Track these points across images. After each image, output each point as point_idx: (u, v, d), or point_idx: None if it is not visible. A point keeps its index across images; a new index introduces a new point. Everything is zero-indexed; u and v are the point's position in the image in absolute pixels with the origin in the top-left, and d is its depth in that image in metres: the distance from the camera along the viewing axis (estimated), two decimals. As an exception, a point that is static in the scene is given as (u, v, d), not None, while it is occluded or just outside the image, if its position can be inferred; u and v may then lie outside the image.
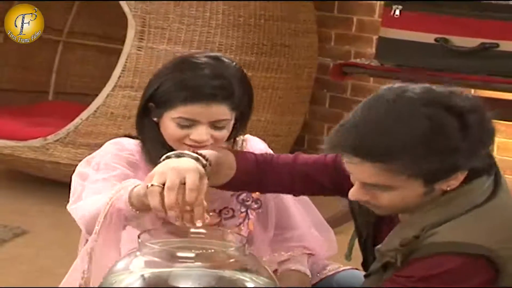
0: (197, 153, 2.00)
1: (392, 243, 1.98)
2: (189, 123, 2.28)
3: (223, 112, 2.28)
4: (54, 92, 5.81)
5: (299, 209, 2.54)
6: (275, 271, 2.38)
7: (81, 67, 5.80)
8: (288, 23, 5.04)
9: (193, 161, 1.96)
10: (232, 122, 2.35)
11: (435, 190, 1.96)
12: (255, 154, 2.20)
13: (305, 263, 2.49)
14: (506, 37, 3.74)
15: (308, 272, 2.47)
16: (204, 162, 1.98)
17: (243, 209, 2.43)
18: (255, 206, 2.45)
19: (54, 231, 4.34)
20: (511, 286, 1.97)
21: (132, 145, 2.38)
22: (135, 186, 2.04)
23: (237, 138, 2.47)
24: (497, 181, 2.04)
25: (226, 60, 2.38)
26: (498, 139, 4.85)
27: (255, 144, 2.51)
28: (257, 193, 2.44)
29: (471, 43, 3.81)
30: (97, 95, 4.74)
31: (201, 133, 2.28)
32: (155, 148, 2.33)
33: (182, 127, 2.29)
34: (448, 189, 1.96)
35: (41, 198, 4.85)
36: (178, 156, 1.98)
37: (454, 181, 1.95)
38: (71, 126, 4.72)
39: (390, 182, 1.94)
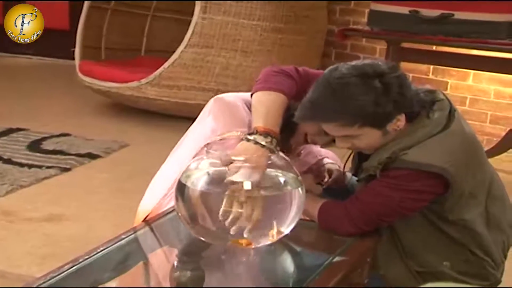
0: (267, 133, 1.90)
1: (373, 161, 1.98)
2: None
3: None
4: (145, 50, 5.78)
5: None
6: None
7: (163, 33, 5.76)
8: (307, 0, 4.95)
9: (263, 149, 1.86)
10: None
11: (388, 130, 1.94)
12: (296, 81, 2.11)
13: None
14: (459, 9, 3.68)
15: None
16: (274, 143, 1.90)
17: None
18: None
19: (147, 144, 4.37)
20: (460, 194, 1.97)
21: None
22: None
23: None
24: (451, 114, 2.01)
25: None
26: (451, 81, 4.79)
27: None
28: None
29: (434, 13, 3.74)
30: (174, 52, 4.69)
31: None
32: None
33: None
34: (398, 128, 1.94)
35: (137, 122, 4.88)
36: (256, 142, 1.87)
37: (399, 122, 1.94)
38: (157, 73, 4.69)
39: (350, 132, 1.95)
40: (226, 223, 1.76)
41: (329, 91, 1.92)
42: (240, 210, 1.76)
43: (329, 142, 2.13)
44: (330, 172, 2.33)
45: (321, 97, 1.93)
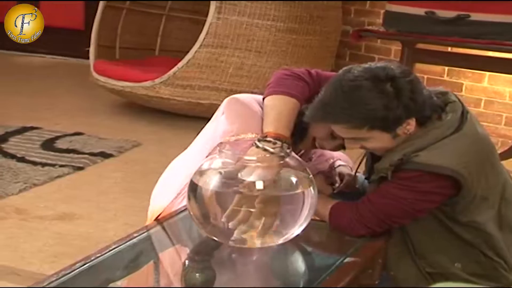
0: (277, 138, 1.90)
1: (384, 163, 1.99)
2: None
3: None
4: (159, 50, 5.79)
5: None
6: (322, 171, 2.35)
7: (177, 33, 5.78)
8: (322, 1, 4.96)
9: (273, 157, 1.85)
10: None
11: (398, 134, 1.95)
12: (308, 84, 2.11)
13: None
14: (475, 10, 3.66)
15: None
16: (285, 147, 1.89)
17: None
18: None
19: (158, 144, 4.39)
20: (472, 196, 1.97)
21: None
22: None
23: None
24: (463, 116, 2.01)
25: None
26: (466, 82, 4.77)
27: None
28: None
29: (450, 14, 3.73)
30: (188, 52, 4.72)
31: None
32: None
33: None
34: (408, 132, 1.95)
35: (149, 121, 4.90)
36: (264, 149, 1.87)
37: (409, 126, 1.94)
38: (171, 72, 4.71)
39: (359, 135, 1.95)
40: (230, 224, 1.77)
41: (340, 93, 1.92)
42: (251, 210, 1.76)
43: (337, 147, 2.12)
44: (341, 176, 2.33)
45: (332, 98, 1.93)
